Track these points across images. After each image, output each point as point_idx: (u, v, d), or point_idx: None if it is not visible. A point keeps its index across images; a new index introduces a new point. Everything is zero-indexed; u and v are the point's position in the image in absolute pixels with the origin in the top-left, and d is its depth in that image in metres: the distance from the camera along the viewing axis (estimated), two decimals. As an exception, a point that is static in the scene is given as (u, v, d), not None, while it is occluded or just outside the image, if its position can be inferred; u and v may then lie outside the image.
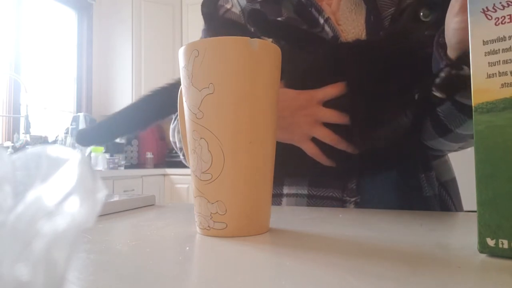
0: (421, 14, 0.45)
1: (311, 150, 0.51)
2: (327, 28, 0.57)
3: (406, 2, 0.56)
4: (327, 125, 0.50)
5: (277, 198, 0.58)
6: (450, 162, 0.64)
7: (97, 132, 0.64)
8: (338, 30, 0.57)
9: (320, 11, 0.58)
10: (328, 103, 0.50)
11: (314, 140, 0.50)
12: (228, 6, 0.67)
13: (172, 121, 0.67)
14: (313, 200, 0.55)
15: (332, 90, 0.49)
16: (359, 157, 0.51)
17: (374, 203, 0.53)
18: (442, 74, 0.41)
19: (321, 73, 0.51)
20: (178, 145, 0.64)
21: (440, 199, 0.57)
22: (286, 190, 0.57)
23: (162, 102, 0.58)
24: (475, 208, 0.24)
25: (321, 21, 0.58)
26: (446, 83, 0.40)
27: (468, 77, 0.24)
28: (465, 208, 0.64)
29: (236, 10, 0.66)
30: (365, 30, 0.56)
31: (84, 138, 0.62)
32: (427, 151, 0.58)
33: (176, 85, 0.58)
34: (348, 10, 0.58)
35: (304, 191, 0.56)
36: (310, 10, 0.58)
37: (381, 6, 0.57)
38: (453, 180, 0.62)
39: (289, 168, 0.54)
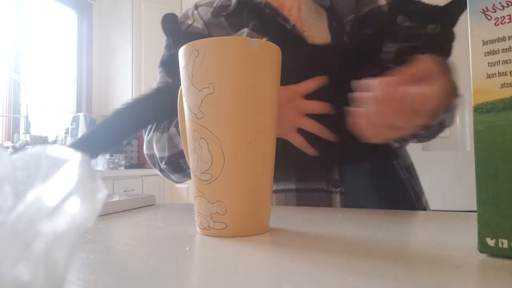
0: (398, 19, 0.51)
1: (297, 141, 0.53)
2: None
3: (364, 10, 0.64)
4: (311, 116, 0.53)
5: None
6: (406, 149, 0.70)
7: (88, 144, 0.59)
8: (304, 36, 0.62)
9: (286, 20, 0.63)
10: (311, 96, 0.53)
11: (300, 131, 0.53)
12: (189, 22, 0.71)
13: (146, 134, 0.67)
14: (302, 194, 0.58)
15: (313, 83, 0.53)
16: (339, 147, 0.54)
17: (358, 191, 0.57)
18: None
19: (305, 71, 0.55)
20: (158, 154, 0.63)
21: (409, 181, 0.62)
22: (274, 187, 0.59)
23: (145, 110, 0.58)
24: (475, 208, 0.24)
25: (288, 27, 0.62)
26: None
27: None
28: (465, 208, 0.68)
29: (199, 24, 0.69)
30: (329, 35, 0.62)
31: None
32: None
33: (157, 91, 0.60)
34: (311, 18, 0.64)
35: (292, 186, 0.58)
36: (276, 20, 0.63)
37: (342, 13, 0.63)
38: (412, 164, 0.68)
39: (275, 162, 0.56)
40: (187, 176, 0.63)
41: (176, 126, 0.60)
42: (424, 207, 0.64)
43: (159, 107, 0.57)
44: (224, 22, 0.67)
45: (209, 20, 0.68)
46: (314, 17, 0.64)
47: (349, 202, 0.57)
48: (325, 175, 0.58)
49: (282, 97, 0.51)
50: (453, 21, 0.54)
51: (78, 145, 0.55)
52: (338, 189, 0.57)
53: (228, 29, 0.66)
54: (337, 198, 0.57)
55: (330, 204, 0.57)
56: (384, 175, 0.60)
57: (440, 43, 0.54)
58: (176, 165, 0.61)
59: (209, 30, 0.68)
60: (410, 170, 0.65)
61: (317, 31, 0.63)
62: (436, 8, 0.55)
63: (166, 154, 0.61)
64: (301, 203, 0.57)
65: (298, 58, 0.56)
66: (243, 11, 0.66)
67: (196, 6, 0.73)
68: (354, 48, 0.56)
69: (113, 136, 0.56)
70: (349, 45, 0.59)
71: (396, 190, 0.59)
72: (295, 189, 0.58)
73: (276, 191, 0.59)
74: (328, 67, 0.54)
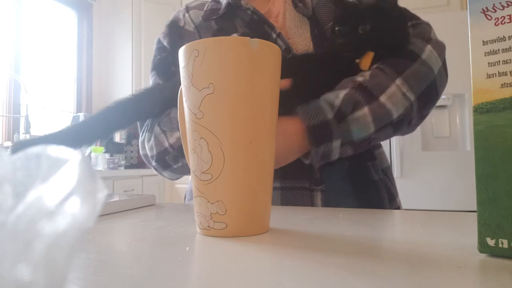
0: (360, 28, 0.55)
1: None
2: (280, 42, 0.64)
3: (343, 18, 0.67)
4: None
5: None
6: (385, 152, 0.72)
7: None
8: (289, 44, 0.64)
9: (272, 27, 0.65)
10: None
11: None
12: (181, 24, 0.72)
13: (140, 135, 0.68)
14: (286, 192, 0.61)
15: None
16: None
17: (337, 190, 0.60)
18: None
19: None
20: (149, 153, 0.65)
21: (384, 183, 0.65)
22: None
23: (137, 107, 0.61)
24: (475, 208, 0.24)
25: (274, 35, 0.64)
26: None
27: None
28: (465, 208, 0.70)
29: (190, 27, 0.70)
30: (311, 42, 0.65)
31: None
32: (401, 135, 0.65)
33: (144, 91, 0.61)
34: (295, 26, 0.66)
35: (277, 184, 0.61)
36: (263, 26, 0.65)
37: (322, 21, 0.66)
38: (389, 168, 0.71)
39: None
40: (176, 172, 0.64)
41: (160, 125, 0.62)
42: (398, 207, 0.68)
43: (143, 106, 0.61)
44: (214, 26, 0.68)
45: (200, 23, 0.70)
46: (297, 25, 0.66)
47: (330, 200, 0.59)
48: (306, 174, 0.60)
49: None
50: (387, 13, 0.57)
51: (61, 135, 0.55)
52: (319, 187, 0.60)
53: (217, 32, 0.68)
54: (318, 195, 0.59)
55: (312, 201, 0.60)
56: (358, 176, 0.63)
57: (381, 39, 0.56)
58: (164, 162, 0.63)
59: (200, 33, 0.69)
60: (386, 172, 0.68)
61: (300, 38, 0.65)
62: (365, 7, 0.58)
63: (154, 152, 0.63)
64: (285, 200, 0.60)
65: (312, 67, 0.59)
66: (233, 17, 0.67)
67: (188, 9, 0.74)
68: (325, 56, 0.60)
69: (98, 130, 0.58)
70: (322, 53, 0.62)
71: (369, 190, 0.62)
72: (280, 187, 0.61)
73: None
74: (300, 75, 0.56)
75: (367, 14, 0.56)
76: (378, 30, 0.56)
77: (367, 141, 0.55)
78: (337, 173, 0.61)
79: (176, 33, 0.71)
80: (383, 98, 0.53)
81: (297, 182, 0.60)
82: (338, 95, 0.53)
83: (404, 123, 0.57)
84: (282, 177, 0.61)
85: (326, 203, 0.59)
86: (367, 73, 0.55)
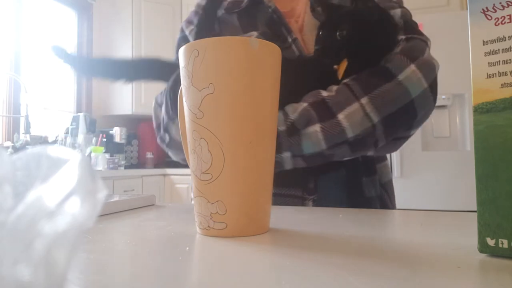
0: (337, 34, 0.55)
1: None
2: (294, 48, 0.63)
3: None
4: None
5: None
6: (389, 165, 0.70)
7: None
8: (303, 50, 0.63)
9: (289, 31, 0.64)
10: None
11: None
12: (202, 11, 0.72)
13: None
14: (276, 198, 0.61)
15: None
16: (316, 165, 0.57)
17: (329, 201, 0.59)
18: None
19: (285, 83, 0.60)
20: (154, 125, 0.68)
21: (380, 199, 0.64)
22: None
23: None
24: (475, 208, 0.24)
25: (289, 40, 0.64)
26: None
27: None
28: (465, 208, 0.69)
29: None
30: None
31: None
32: (380, 154, 0.64)
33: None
34: (309, 30, 0.65)
35: None
36: (280, 28, 0.64)
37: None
38: (391, 181, 0.69)
39: None
40: (170, 147, 0.65)
41: (156, 100, 0.67)
42: None
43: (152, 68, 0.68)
44: (236, 21, 0.68)
45: (222, 15, 0.69)
46: (311, 30, 0.65)
47: None
48: (300, 183, 0.60)
49: None
50: (366, 20, 0.55)
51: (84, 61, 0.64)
52: (311, 197, 0.60)
53: (238, 28, 0.67)
54: (309, 204, 0.60)
55: None
56: (351, 190, 0.62)
57: (356, 47, 0.55)
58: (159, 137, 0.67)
59: (221, 27, 0.68)
60: (386, 187, 0.66)
61: (313, 44, 0.65)
62: (344, 11, 0.57)
63: (154, 125, 0.68)
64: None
65: (289, 72, 0.59)
66: (255, 12, 0.67)
67: None
68: (305, 62, 0.61)
69: (112, 70, 0.67)
70: (302, 58, 0.62)
71: (362, 206, 0.61)
72: (273, 193, 0.61)
73: None
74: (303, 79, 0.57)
75: (345, 19, 0.55)
76: (354, 37, 0.54)
77: (320, 156, 0.54)
78: (331, 184, 0.61)
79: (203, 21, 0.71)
80: (340, 116, 0.52)
81: (290, 190, 0.61)
82: (297, 109, 0.53)
83: (367, 144, 0.54)
84: (275, 184, 0.60)
85: None
86: (334, 88, 0.54)
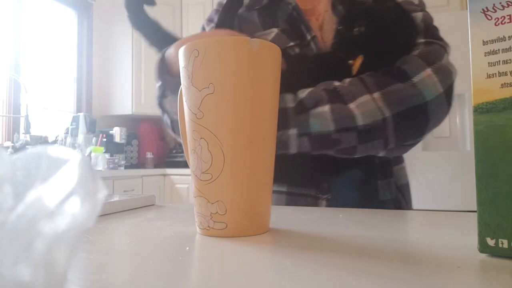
0: (355, 30, 0.55)
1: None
2: (312, 45, 0.64)
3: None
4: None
5: None
6: (406, 168, 0.70)
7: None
8: (321, 48, 0.64)
9: (308, 29, 0.64)
10: None
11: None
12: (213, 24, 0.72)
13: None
14: (291, 197, 0.61)
15: None
16: (331, 163, 0.58)
17: (342, 201, 0.59)
18: None
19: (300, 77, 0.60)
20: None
21: (396, 201, 0.64)
22: None
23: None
24: (475, 208, 0.24)
25: (308, 37, 0.64)
26: None
27: None
28: (465, 208, 0.70)
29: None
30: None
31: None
32: (390, 156, 0.63)
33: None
34: (329, 30, 0.65)
35: (284, 189, 0.62)
36: (300, 25, 0.65)
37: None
38: (408, 184, 0.68)
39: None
40: (173, 128, 0.66)
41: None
42: None
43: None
44: (256, 18, 0.68)
45: (242, 13, 0.69)
46: (332, 30, 0.65)
47: None
48: (314, 182, 0.60)
49: None
50: (385, 19, 0.55)
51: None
52: (325, 196, 0.60)
53: (258, 25, 0.67)
54: (323, 204, 0.60)
55: None
56: (366, 192, 0.61)
57: (372, 45, 0.55)
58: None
59: (240, 22, 0.69)
60: (402, 190, 0.66)
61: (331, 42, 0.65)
62: (361, 9, 0.58)
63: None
64: (289, 205, 0.61)
65: (304, 66, 0.60)
66: (275, 8, 0.67)
67: None
68: (320, 55, 0.61)
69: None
70: (318, 53, 0.63)
71: (376, 208, 0.62)
72: (286, 192, 0.61)
73: None
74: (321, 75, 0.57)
75: (364, 16, 0.55)
76: (371, 34, 0.54)
77: (326, 140, 0.53)
78: (345, 185, 0.61)
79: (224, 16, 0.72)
80: (352, 105, 0.52)
81: (304, 189, 0.61)
82: (305, 91, 0.54)
83: (376, 137, 0.53)
84: (289, 183, 0.62)
85: None
86: (347, 80, 0.54)
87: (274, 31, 0.64)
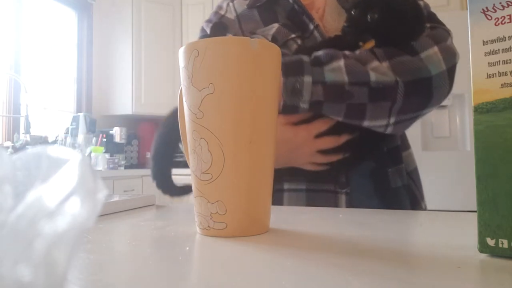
0: (369, 16, 0.56)
1: (312, 168, 0.60)
2: (316, 33, 0.65)
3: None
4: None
5: (279, 193, 0.64)
6: (413, 153, 0.73)
7: None
8: (325, 36, 0.65)
9: (311, 19, 0.66)
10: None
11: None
12: (222, 12, 0.73)
13: None
14: (311, 194, 0.63)
15: (323, 125, 0.58)
16: (346, 158, 0.59)
17: (361, 193, 0.61)
18: None
19: None
20: None
21: (408, 188, 0.66)
22: (286, 186, 0.65)
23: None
24: (475, 208, 0.24)
25: (311, 27, 0.65)
26: None
27: None
28: (465, 208, 0.72)
29: (231, 16, 0.72)
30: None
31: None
32: (396, 141, 0.66)
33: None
34: (332, 19, 0.67)
35: (303, 187, 0.63)
36: (302, 17, 0.66)
37: None
38: (416, 169, 0.71)
39: (286, 174, 0.63)
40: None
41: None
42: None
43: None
44: (256, 15, 0.69)
45: (242, 12, 0.71)
46: (335, 19, 0.67)
47: (354, 202, 0.61)
48: (332, 178, 0.62)
49: (291, 144, 0.58)
50: (399, 7, 0.56)
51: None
52: (344, 190, 0.61)
53: (259, 22, 0.68)
54: (343, 198, 0.61)
55: (336, 204, 0.61)
56: (379, 181, 0.64)
57: (386, 32, 0.57)
58: None
59: (240, 22, 0.70)
60: (412, 175, 0.67)
61: (336, 32, 0.66)
62: None
63: None
64: (310, 202, 0.62)
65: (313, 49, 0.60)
66: (275, 5, 0.69)
67: None
68: (331, 39, 0.62)
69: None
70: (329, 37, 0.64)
71: (389, 197, 0.63)
72: (305, 189, 0.63)
73: (288, 190, 0.64)
74: None
75: (379, 2, 0.56)
76: (385, 22, 0.55)
77: (340, 91, 0.54)
78: (361, 176, 0.62)
79: (218, 21, 0.73)
80: (365, 67, 0.54)
81: (323, 185, 0.62)
82: (320, 51, 0.55)
83: (386, 97, 0.54)
84: (308, 180, 0.63)
85: (351, 206, 0.61)
86: (358, 51, 0.56)
87: (275, 25, 0.65)
